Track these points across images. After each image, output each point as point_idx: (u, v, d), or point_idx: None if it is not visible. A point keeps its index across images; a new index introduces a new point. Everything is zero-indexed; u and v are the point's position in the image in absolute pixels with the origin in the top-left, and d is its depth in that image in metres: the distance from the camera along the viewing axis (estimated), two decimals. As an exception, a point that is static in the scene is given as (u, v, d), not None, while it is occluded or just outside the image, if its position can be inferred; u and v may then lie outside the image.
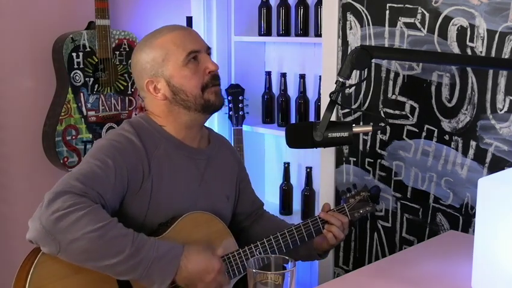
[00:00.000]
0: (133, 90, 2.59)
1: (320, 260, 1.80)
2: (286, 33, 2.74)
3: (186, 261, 1.44)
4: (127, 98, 2.58)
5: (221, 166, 1.74)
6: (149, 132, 1.61)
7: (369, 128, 1.47)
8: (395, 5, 1.93)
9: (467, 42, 1.78)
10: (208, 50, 1.65)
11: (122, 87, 2.55)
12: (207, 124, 1.74)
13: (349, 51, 2.06)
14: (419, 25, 1.88)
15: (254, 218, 1.88)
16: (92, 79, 2.46)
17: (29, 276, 1.38)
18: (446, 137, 1.87)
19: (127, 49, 2.55)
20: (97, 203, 1.42)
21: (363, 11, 2.03)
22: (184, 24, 2.73)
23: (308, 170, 2.76)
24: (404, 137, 1.98)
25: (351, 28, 2.07)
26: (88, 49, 2.44)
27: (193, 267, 1.45)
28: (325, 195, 2.25)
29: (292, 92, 2.83)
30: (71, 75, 2.40)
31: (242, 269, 1.60)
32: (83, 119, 2.45)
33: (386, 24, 1.97)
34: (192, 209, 1.60)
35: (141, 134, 1.58)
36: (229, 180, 1.78)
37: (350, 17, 2.06)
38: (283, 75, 2.80)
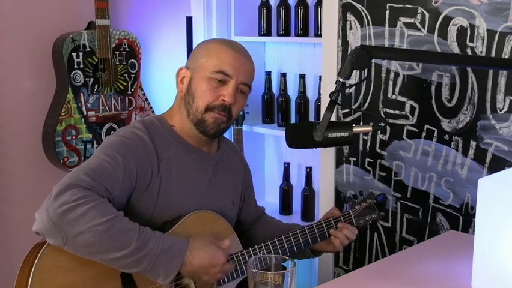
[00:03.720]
0: (133, 90, 2.59)
1: (313, 257, 1.81)
2: (286, 33, 2.74)
3: (191, 256, 1.45)
4: (127, 98, 2.58)
5: (228, 171, 1.75)
6: (161, 132, 1.62)
7: (369, 128, 1.47)
8: (395, 5, 1.93)
9: (467, 42, 1.78)
10: (242, 85, 1.60)
11: (122, 87, 2.55)
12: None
13: (349, 51, 2.06)
14: (419, 25, 1.88)
15: (255, 222, 1.89)
16: (92, 79, 2.46)
17: (33, 267, 1.38)
18: (446, 137, 1.87)
19: (127, 49, 2.56)
20: (104, 197, 1.44)
21: (363, 11, 2.03)
22: (184, 24, 2.73)
23: (308, 170, 2.76)
24: (404, 137, 1.98)
25: (351, 28, 2.07)
26: (88, 49, 2.44)
27: (197, 261, 1.46)
28: (325, 195, 2.25)
29: (292, 92, 2.83)
30: (71, 75, 2.40)
31: (246, 270, 1.60)
32: (83, 119, 2.45)
33: (386, 24, 1.97)
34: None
35: (152, 133, 1.59)
36: (235, 185, 1.78)
37: (350, 17, 2.06)
38: (283, 75, 2.80)
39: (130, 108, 2.59)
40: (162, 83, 2.87)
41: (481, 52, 1.75)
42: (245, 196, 1.84)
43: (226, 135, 2.92)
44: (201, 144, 1.67)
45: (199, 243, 1.49)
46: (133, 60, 2.60)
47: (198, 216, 1.59)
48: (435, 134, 1.90)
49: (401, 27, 1.93)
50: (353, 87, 2.07)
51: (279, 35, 2.76)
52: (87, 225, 1.35)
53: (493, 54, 1.72)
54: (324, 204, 2.24)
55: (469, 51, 1.78)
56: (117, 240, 1.38)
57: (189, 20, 2.76)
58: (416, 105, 1.94)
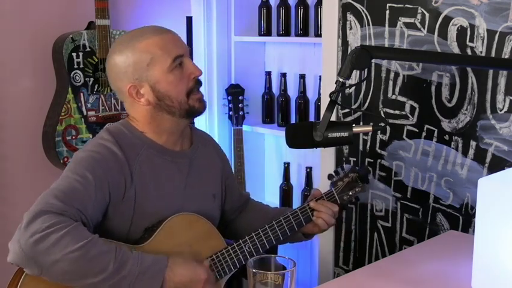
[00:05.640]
0: (133, 90, 2.59)
1: (305, 240, 1.79)
2: (286, 33, 2.74)
3: (171, 274, 1.42)
4: (127, 98, 2.58)
5: (204, 165, 1.72)
6: (130, 139, 1.57)
7: (369, 128, 1.47)
8: (395, 5, 1.93)
9: (467, 42, 1.78)
10: (188, 53, 1.63)
11: (122, 87, 2.55)
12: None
13: (349, 51, 2.06)
14: (419, 25, 1.88)
15: (241, 210, 1.87)
16: (92, 79, 2.46)
17: None
18: (446, 137, 1.87)
19: (127, 49, 2.55)
20: (77, 220, 1.40)
21: (363, 11, 2.03)
22: (184, 24, 2.73)
23: (308, 170, 2.76)
24: (404, 137, 1.98)
25: (351, 28, 2.07)
26: (88, 49, 2.44)
27: (178, 279, 1.43)
28: (325, 195, 2.25)
29: (292, 92, 2.83)
30: (71, 75, 2.40)
31: (232, 266, 1.59)
32: (83, 119, 2.45)
33: (386, 24, 1.97)
34: (179, 212, 1.58)
35: (121, 142, 1.55)
36: (214, 178, 1.75)
37: (350, 17, 2.06)
38: (283, 75, 2.80)
39: (130, 108, 2.59)
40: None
41: (481, 52, 1.75)
42: (226, 186, 1.80)
43: (225, 135, 2.93)
44: (174, 145, 1.64)
45: (179, 260, 1.47)
46: (133, 60, 2.59)
47: (178, 219, 1.57)
48: (435, 134, 1.90)
49: (401, 27, 1.93)
50: (353, 87, 2.07)
51: (279, 35, 2.76)
52: (61, 254, 1.32)
53: (493, 54, 1.72)
54: (324, 204, 2.23)
55: (469, 51, 1.78)
56: (93, 265, 1.35)
57: (189, 20, 2.76)
58: (416, 105, 1.94)
